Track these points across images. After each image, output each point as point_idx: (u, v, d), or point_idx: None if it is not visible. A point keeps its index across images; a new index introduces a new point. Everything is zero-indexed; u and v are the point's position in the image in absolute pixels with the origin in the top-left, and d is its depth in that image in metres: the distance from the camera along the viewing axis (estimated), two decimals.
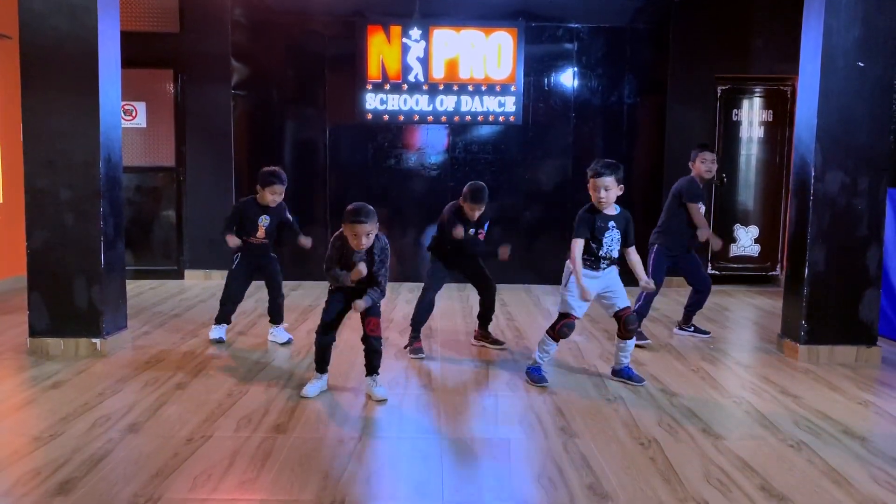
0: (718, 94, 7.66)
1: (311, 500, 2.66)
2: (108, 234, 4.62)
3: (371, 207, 3.82)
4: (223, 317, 5.01)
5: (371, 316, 3.89)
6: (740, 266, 7.83)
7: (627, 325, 4.08)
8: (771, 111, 7.68)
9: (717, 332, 5.63)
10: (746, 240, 7.79)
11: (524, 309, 6.37)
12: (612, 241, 4.01)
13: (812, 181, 4.65)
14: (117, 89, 4.80)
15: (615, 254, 4.04)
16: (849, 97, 4.60)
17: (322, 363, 3.97)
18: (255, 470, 2.91)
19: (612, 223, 4.01)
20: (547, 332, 4.12)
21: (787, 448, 3.23)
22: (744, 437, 3.37)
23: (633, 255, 4.11)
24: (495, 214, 5.13)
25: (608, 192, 3.94)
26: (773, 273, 7.84)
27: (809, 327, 4.72)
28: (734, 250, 7.81)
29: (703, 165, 5.23)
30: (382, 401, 3.82)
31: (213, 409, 3.61)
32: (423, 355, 4.73)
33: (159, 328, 5.40)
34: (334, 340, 3.97)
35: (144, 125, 7.47)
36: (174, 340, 5.02)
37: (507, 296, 6.91)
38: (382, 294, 3.83)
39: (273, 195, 4.85)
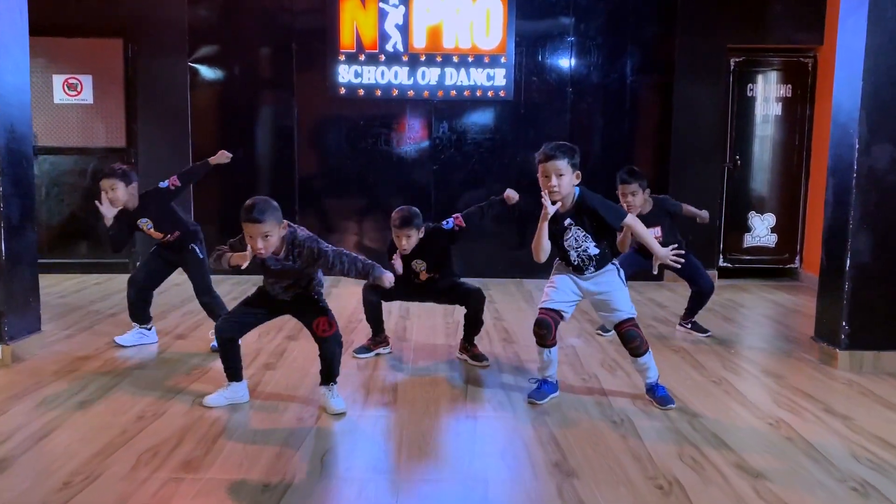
0: (731, 68, 6.88)
1: None
2: (10, 218, 3.83)
3: (274, 203, 3.03)
4: (132, 312, 4.22)
5: (318, 316, 3.17)
6: (754, 258, 7.06)
7: (627, 341, 3.30)
8: (790, 86, 6.90)
9: (736, 333, 4.87)
10: (762, 229, 7.02)
11: (514, 306, 5.60)
12: (576, 241, 3.26)
13: (855, 155, 3.88)
14: (23, 49, 3.98)
15: (592, 250, 3.27)
16: None
17: (229, 369, 3.28)
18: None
19: (567, 221, 3.26)
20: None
21: (850, 492, 2.47)
22: (790, 474, 2.61)
23: (634, 227, 3.28)
24: (484, 198, 4.28)
25: (561, 178, 3.16)
26: (791, 266, 7.07)
27: (851, 329, 3.96)
28: (748, 240, 7.04)
29: (622, 199, 4.46)
30: (340, 414, 3.14)
31: (112, 438, 2.84)
32: (367, 355, 4.05)
33: (87, 330, 4.62)
34: (235, 340, 3.30)
35: (91, 101, 6.67)
36: (99, 346, 4.23)
37: (496, 291, 6.14)
38: (352, 262, 3.06)
39: (110, 193, 3.91)
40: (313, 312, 3.21)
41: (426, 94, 6.65)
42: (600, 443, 2.88)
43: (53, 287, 5.99)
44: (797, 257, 7.03)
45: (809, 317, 4.83)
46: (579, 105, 6.82)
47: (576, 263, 3.29)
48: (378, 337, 4.12)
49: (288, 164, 6.81)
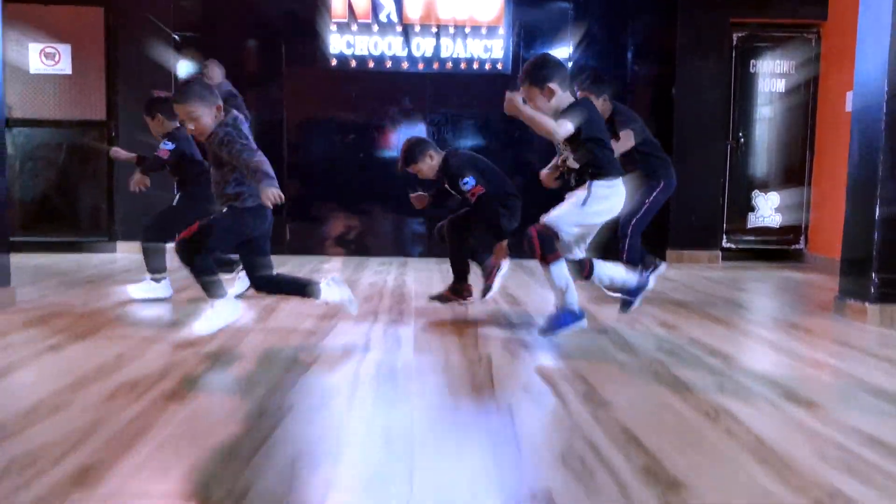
0: (734, 43, 6.71)
1: (184, 491, 1.59)
2: None
3: (198, 87, 2.95)
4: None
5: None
6: (758, 239, 6.84)
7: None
8: (793, 62, 6.73)
9: (748, 299, 4.62)
10: (766, 209, 6.81)
11: (519, 281, 5.30)
12: (559, 148, 3.14)
13: (885, 98, 3.67)
14: None
15: (571, 163, 3.06)
16: None
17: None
18: (118, 445, 1.83)
19: None
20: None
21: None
22: (851, 407, 2.35)
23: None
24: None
25: (533, 102, 3.04)
26: (797, 247, 6.85)
27: (881, 282, 3.72)
28: (752, 221, 6.82)
29: None
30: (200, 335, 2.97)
31: (86, 373, 2.52)
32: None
33: (62, 294, 4.28)
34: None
35: (69, 71, 6.36)
36: (74, 304, 3.91)
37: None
38: (259, 174, 2.76)
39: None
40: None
41: (421, 65, 6.41)
42: (631, 378, 2.61)
43: (25, 263, 5.64)
44: (802, 238, 6.82)
45: (825, 289, 4.64)
46: (579, 78, 6.59)
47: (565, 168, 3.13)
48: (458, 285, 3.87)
49: (277, 135, 6.52)
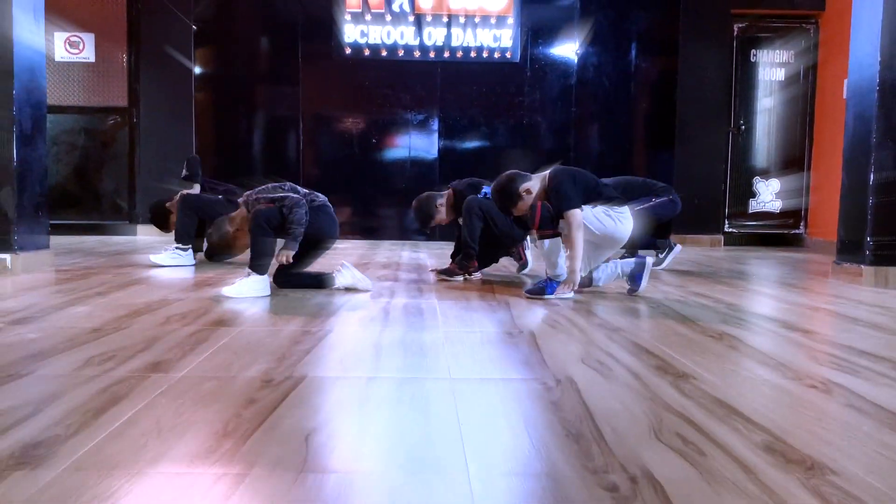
0: (735, 33, 6.93)
1: (256, 377, 1.80)
2: (22, 124, 3.74)
3: (213, 228, 3.64)
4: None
5: None
6: (759, 224, 7.04)
7: None
8: (792, 51, 6.96)
9: (750, 269, 4.83)
10: (766, 194, 7.01)
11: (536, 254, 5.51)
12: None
13: (878, 69, 3.88)
14: None
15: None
16: None
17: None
18: (180, 350, 2.04)
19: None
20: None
21: None
22: (843, 332, 2.56)
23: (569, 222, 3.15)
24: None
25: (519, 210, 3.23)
26: (797, 231, 7.06)
27: (875, 245, 3.93)
28: (752, 206, 7.03)
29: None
30: (227, 297, 3.07)
31: (138, 309, 2.73)
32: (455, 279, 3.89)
33: (97, 259, 4.50)
34: None
35: (93, 59, 6.59)
36: (109, 267, 4.12)
37: None
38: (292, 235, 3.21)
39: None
40: None
41: (432, 54, 6.63)
42: (641, 315, 2.82)
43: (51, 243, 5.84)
44: (802, 223, 7.02)
45: (824, 264, 4.82)
46: (585, 68, 6.83)
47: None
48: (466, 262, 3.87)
49: (293, 124, 6.74)
